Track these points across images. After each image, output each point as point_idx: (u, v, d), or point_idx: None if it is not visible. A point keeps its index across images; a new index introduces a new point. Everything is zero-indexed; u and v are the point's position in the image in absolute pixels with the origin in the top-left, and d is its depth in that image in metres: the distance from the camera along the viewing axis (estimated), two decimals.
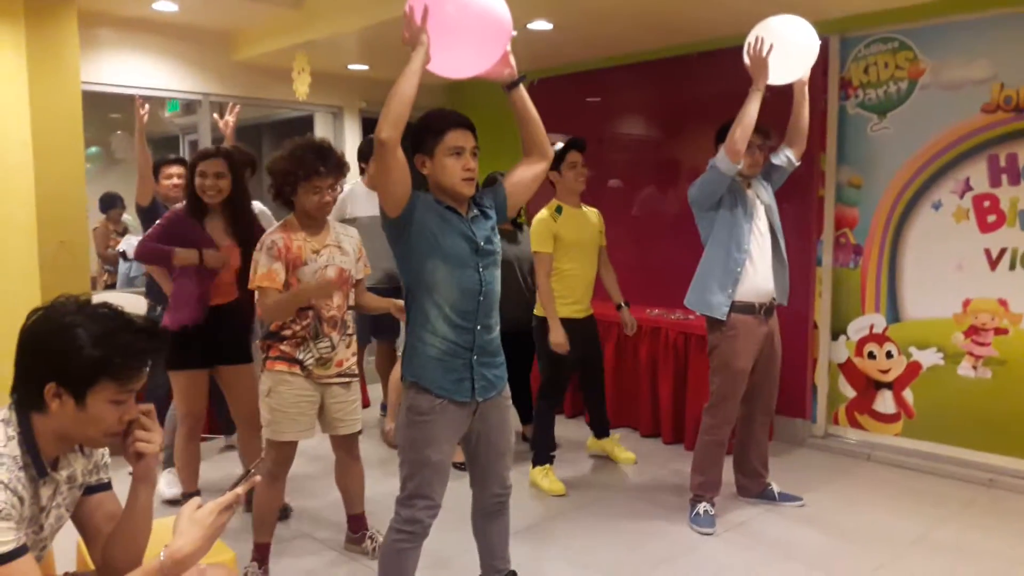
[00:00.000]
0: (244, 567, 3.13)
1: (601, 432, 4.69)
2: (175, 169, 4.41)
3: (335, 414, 3.20)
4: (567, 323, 4.15)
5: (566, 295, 4.21)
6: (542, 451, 4.28)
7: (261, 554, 3.18)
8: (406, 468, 2.51)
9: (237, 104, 4.87)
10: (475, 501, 2.75)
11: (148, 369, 1.70)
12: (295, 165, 3.02)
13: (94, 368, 1.62)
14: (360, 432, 3.35)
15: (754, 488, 4.02)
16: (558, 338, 4.07)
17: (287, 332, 3.06)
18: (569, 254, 4.20)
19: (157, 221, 3.64)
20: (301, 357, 3.06)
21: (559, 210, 4.21)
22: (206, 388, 3.67)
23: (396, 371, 4.90)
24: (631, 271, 4.74)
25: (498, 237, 2.60)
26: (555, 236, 4.16)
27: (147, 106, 4.50)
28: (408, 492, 2.52)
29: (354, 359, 3.25)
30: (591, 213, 4.37)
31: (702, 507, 3.74)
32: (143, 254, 3.63)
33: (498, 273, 2.56)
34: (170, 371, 3.60)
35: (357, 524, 3.45)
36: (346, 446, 3.34)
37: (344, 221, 4.78)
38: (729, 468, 3.96)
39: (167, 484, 4.03)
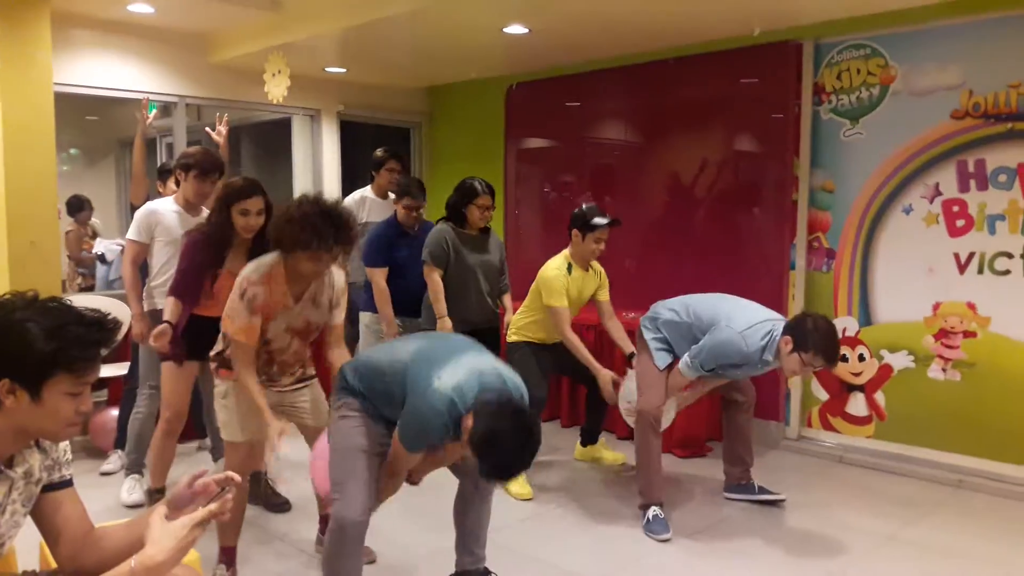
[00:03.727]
0: (212, 569, 3.12)
1: (588, 439, 4.69)
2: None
3: (300, 411, 3.17)
4: (541, 347, 4.23)
5: (539, 333, 4.28)
6: None
7: (228, 557, 3.15)
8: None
9: (225, 113, 4.87)
10: (460, 487, 2.90)
11: (100, 360, 1.69)
12: (308, 235, 2.75)
13: (48, 361, 1.61)
14: None
15: (735, 475, 4.06)
16: (606, 384, 4.13)
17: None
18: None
19: (183, 253, 3.54)
20: (261, 379, 3.02)
21: (569, 268, 4.20)
22: (191, 383, 3.69)
23: None
24: (608, 275, 4.74)
25: None
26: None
27: (155, 111, 4.48)
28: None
29: (311, 368, 3.22)
30: (593, 273, 4.34)
31: (651, 512, 3.71)
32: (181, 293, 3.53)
33: None
34: (163, 361, 3.61)
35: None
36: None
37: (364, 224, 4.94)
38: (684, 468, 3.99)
39: (128, 490, 4.03)
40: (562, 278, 4.14)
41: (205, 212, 3.88)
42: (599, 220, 4.09)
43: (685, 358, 3.67)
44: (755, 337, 3.48)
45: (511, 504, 4.05)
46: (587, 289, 4.29)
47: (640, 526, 3.73)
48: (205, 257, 3.41)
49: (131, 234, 3.99)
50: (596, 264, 4.35)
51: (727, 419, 4.07)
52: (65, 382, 1.64)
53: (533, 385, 4.29)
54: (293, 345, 3.06)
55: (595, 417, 4.64)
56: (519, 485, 4.19)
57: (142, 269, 4.16)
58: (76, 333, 1.64)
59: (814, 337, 3.35)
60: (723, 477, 4.14)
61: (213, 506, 1.66)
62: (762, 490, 4.03)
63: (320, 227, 2.74)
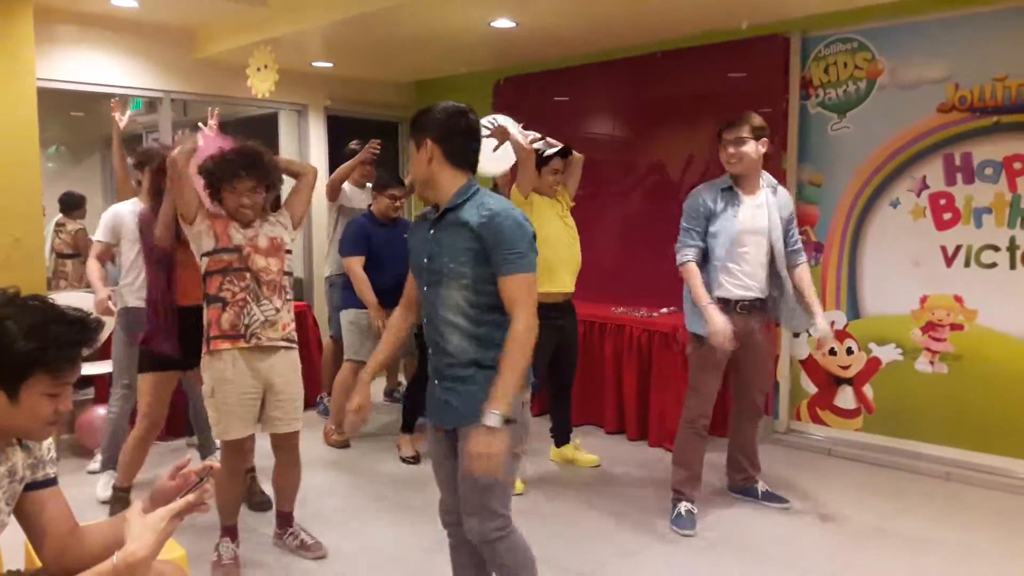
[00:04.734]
0: (216, 543, 3.24)
1: (561, 439, 4.63)
2: None
3: (273, 411, 3.18)
4: (549, 310, 4.10)
5: (540, 277, 4.16)
6: None
7: (230, 533, 3.27)
8: None
9: (216, 108, 4.83)
10: None
11: (81, 360, 1.67)
12: (218, 168, 3.08)
13: (27, 361, 1.58)
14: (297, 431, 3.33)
15: (736, 480, 4.04)
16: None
17: (226, 293, 3.05)
18: (554, 242, 4.17)
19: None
20: (247, 321, 3.06)
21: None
22: (170, 393, 3.68)
23: (343, 373, 4.90)
24: (597, 270, 4.75)
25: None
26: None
27: (127, 114, 4.48)
28: None
29: (294, 324, 3.25)
30: (559, 198, 4.38)
31: (683, 507, 3.70)
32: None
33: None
34: (140, 373, 3.60)
35: (284, 521, 3.48)
36: (285, 446, 3.32)
37: (340, 207, 5.31)
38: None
39: (103, 486, 4.03)
40: (516, 202, 4.18)
41: None
42: (549, 151, 4.27)
43: (678, 251, 3.69)
44: (708, 184, 3.71)
45: None
46: (561, 206, 4.34)
47: (629, 515, 3.76)
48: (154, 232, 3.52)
49: (98, 235, 4.11)
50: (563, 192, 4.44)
51: (733, 425, 4.01)
52: (44, 382, 1.61)
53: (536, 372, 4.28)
54: (271, 264, 3.14)
55: (561, 414, 4.60)
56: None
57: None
58: (56, 332, 1.60)
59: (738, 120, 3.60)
60: (713, 472, 4.13)
61: (191, 496, 1.65)
62: (767, 495, 3.96)
63: (232, 161, 3.07)
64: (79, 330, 1.65)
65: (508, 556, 2.38)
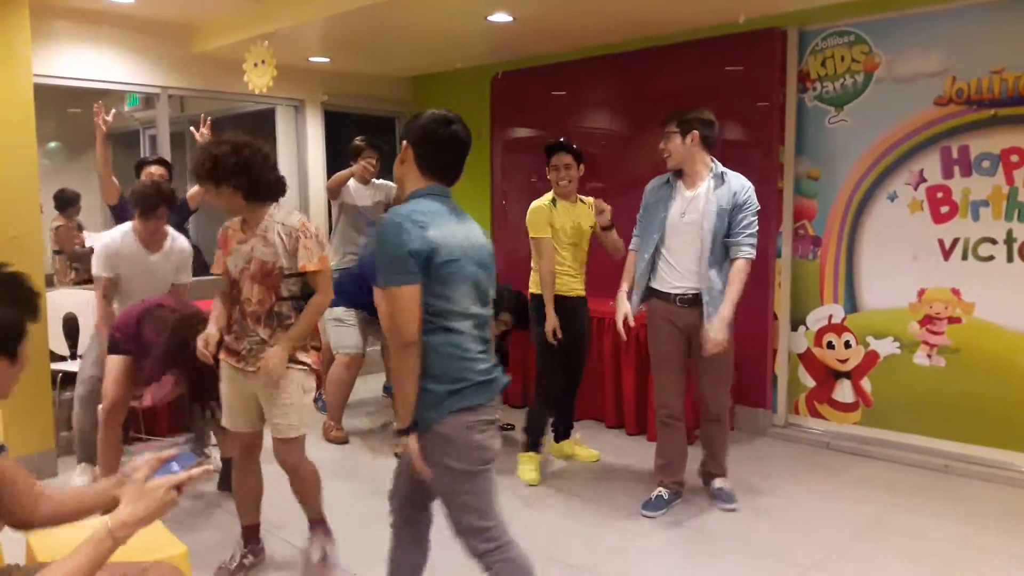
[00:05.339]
0: (240, 553, 3.21)
1: (562, 434, 4.62)
2: (155, 169, 4.65)
3: (270, 417, 3.09)
4: (558, 304, 4.19)
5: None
6: (532, 436, 4.32)
7: (247, 535, 3.24)
8: None
9: (209, 117, 4.87)
10: None
11: None
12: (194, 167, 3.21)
13: (20, 322, 1.68)
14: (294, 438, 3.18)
15: (700, 470, 4.04)
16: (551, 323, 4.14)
17: (231, 320, 3.11)
18: (561, 244, 4.24)
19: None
20: (238, 347, 3.06)
21: (554, 202, 4.25)
22: (131, 376, 3.76)
23: (335, 368, 4.92)
24: (596, 264, 4.74)
25: None
26: (551, 224, 4.20)
27: (112, 113, 4.50)
28: None
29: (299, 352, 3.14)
30: (585, 205, 4.33)
31: (655, 492, 3.83)
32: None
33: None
34: (109, 354, 3.73)
35: (310, 526, 3.32)
36: (279, 451, 3.13)
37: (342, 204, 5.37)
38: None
39: (79, 473, 4.12)
40: (544, 210, 4.21)
41: (167, 244, 4.11)
42: (548, 147, 4.28)
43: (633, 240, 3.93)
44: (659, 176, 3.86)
45: (503, 492, 4.05)
46: (583, 218, 4.29)
47: (627, 509, 3.79)
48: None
49: (96, 269, 4.06)
50: (587, 198, 4.36)
51: (701, 423, 4.03)
52: (26, 332, 1.71)
53: (552, 379, 4.28)
54: (255, 294, 3.00)
55: (564, 411, 4.59)
56: (527, 469, 4.23)
57: None
58: (17, 287, 1.69)
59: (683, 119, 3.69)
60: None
61: (194, 471, 1.69)
62: (718, 492, 3.89)
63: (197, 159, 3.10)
64: (18, 275, 1.73)
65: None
